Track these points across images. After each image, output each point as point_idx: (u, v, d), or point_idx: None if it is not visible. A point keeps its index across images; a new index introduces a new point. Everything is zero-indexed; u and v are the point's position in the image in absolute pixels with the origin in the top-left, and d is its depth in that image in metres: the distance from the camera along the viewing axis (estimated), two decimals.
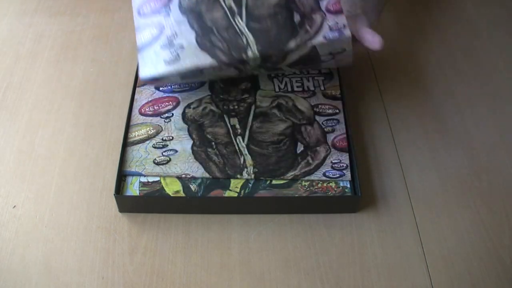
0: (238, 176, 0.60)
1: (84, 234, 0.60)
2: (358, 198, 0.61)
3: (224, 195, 0.60)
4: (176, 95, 0.67)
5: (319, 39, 0.57)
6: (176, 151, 0.62)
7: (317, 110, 0.65)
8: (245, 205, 0.61)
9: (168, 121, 0.64)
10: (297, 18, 0.58)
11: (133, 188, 0.61)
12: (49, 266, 0.58)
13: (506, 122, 0.73)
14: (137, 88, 0.70)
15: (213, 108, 0.64)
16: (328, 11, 0.58)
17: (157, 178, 0.61)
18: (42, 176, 0.66)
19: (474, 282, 0.57)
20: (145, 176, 0.61)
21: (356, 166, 0.62)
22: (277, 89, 0.66)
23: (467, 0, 0.92)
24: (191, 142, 0.63)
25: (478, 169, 0.67)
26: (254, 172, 0.60)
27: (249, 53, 0.56)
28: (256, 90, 0.66)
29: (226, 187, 0.60)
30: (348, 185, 0.62)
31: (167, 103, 0.66)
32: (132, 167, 0.62)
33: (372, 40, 0.58)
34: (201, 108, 0.64)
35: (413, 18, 0.88)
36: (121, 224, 0.61)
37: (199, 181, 0.61)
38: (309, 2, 0.59)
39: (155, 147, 0.62)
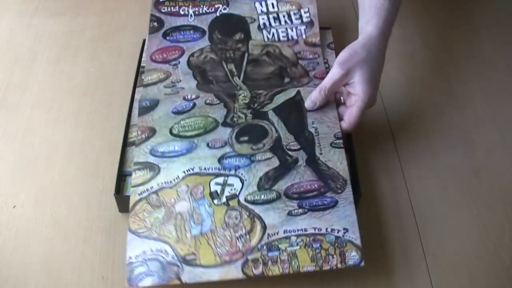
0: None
1: (84, 234, 0.60)
2: (358, 198, 0.61)
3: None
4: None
5: (303, 87, 0.68)
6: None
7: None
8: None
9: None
10: (287, 80, 0.71)
11: None
12: (49, 266, 0.58)
13: (506, 122, 0.73)
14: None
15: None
16: (315, 77, 0.71)
17: None
18: (42, 176, 0.66)
19: (474, 282, 0.57)
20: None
21: (356, 166, 0.62)
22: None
23: (467, 0, 0.92)
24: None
25: (478, 169, 0.67)
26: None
27: (240, 91, 0.68)
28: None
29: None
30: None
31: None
32: (132, 167, 0.62)
33: (346, 119, 0.63)
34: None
35: (413, 18, 0.88)
36: (121, 224, 0.61)
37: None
38: (300, 71, 0.72)
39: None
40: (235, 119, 0.64)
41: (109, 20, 0.87)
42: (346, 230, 0.55)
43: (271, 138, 0.62)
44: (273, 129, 0.63)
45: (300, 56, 0.74)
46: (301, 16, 0.76)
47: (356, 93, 0.61)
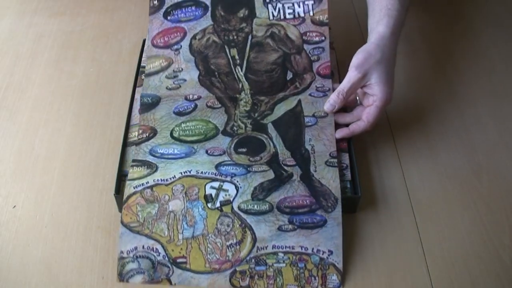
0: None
1: (84, 234, 0.60)
2: (358, 198, 0.61)
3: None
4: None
5: (305, 95, 0.67)
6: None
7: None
8: None
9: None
10: (289, 75, 0.69)
11: None
12: (49, 266, 0.58)
13: (506, 122, 0.73)
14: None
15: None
16: (318, 73, 0.69)
17: None
18: (42, 176, 0.66)
19: (474, 282, 0.57)
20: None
21: (356, 166, 0.62)
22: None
23: (467, 0, 0.92)
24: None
25: (478, 169, 0.67)
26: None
27: (242, 94, 0.67)
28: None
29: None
30: (348, 185, 0.62)
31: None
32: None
33: (365, 119, 0.64)
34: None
35: (413, 18, 0.88)
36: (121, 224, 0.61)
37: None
38: (303, 62, 0.70)
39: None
40: (235, 128, 0.65)
41: (109, 20, 0.87)
42: (330, 252, 0.56)
43: (269, 152, 0.63)
44: (271, 144, 0.63)
45: (306, 38, 0.71)
46: None
47: (374, 94, 0.62)
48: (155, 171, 0.60)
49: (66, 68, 0.79)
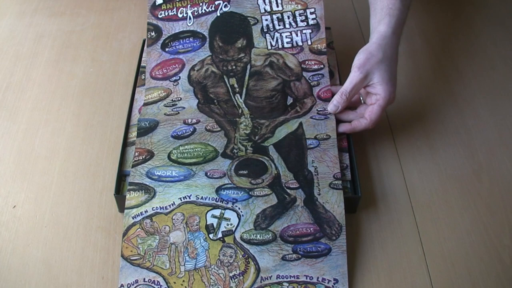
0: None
1: (84, 234, 0.60)
2: (358, 198, 0.61)
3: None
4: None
5: (306, 117, 0.66)
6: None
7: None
8: None
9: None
10: (290, 101, 0.68)
11: None
12: (49, 266, 0.58)
13: (506, 122, 0.73)
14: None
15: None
16: (319, 97, 0.68)
17: None
18: (42, 176, 0.66)
19: (474, 282, 0.57)
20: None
21: (356, 166, 0.62)
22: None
23: (467, 0, 0.92)
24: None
25: (478, 169, 0.67)
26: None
27: (242, 118, 0.66)
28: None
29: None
30: (348, 185, 0.62)
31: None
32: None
33: (368, 117, 0.64)
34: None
35: (413, 18, 0.88)
36: (121, 224, 0.61)
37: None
38: (303, 88, 0.69)
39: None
40: (235, 150, 0.63)
41: (109, 20, 0.87)
42: (336, 281, 0.56)
43: (270, 174, 0.61)
44: (273, 165, 0.62)
45: (305, 66, 0.70)
46: (306, 18, 0.71)
47: (377, 93, 0.62)
48: (153, 196, 0.59)
49: (66, 68, 0.79)
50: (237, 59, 0.70)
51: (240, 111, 0.67)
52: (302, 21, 0.71)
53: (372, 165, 0.67)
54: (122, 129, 0.66)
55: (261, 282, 0.55)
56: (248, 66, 0.70)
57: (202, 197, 0.59)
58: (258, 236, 0.57)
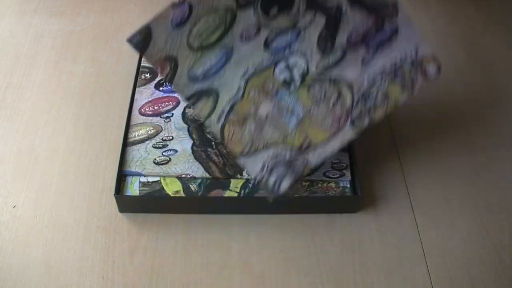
0: (238, 176, 0.61)
1: (84, 234, 0.60)
2: (358, 198, 0.61)
3: (224, 195, 0.60)
4: (176, 94, 0.68)
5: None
6: (176, 151, 0.63)
7: None
8: (245, 205, 0.61)
9: (168, 121, 0.65)
10: None
11: (133, 188, 0.61)
12: (49, 266, 0.58)
13: (506, 122, 0.73)
14: (137, 88, 0.70)
15: None
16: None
17: (157, 178, 0.61)
18: (42, 176, 0.66)
19: (474, 282, 0.57)
20: (145, 176, 0.61)
21: (356, 166, 0.62)
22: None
23: (467, 0, 0.92)
24: (191, 142, 0.63)
25: (478, 169, 0.67)
26: None
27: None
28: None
29: (226, 187, 0.60)
30: (348, 185, 0.62)
31: (167, 103, 0.67)
32: (132, 167, 0.62)
33: None
34: None
35: (413, 18, 0.88)
36: (121, 224, 0.61)
37: (199, 181, 0.61)
38: None
39: (155, 147, 0.63)
40: None
41: (109, 20, 0.87)
42: (416, 50, 0.57)
43: None
44: None
45: None
46: None
47: None
48: (217, 95, 0.55)
49: (66, 68, 0.79)
50: None
51: None
52: None
53: (372, 165, 0.67)
54: (122, 129, 0.66)
55: (358, 92, 0.56)
56: None
57: (258, 63, 0.56)
58: (330, 59, 0.56)
